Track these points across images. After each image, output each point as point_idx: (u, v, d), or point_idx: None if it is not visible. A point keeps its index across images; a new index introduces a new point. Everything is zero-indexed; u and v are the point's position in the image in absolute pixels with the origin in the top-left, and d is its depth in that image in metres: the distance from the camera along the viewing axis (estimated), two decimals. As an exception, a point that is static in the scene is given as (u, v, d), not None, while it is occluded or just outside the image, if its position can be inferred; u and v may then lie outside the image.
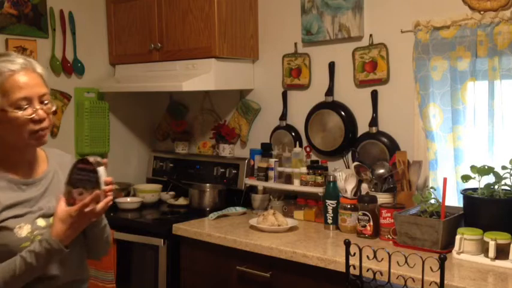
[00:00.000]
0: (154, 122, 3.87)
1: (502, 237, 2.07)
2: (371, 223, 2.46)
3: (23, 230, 1.58)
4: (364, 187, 2.64)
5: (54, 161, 1.77)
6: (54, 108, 1.66)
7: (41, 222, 1.63)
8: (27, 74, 1.59)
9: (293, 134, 3.12)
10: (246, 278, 2.50)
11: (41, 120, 1.60)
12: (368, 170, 2.65)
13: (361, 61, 2.82)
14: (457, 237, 2.16)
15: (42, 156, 1.76)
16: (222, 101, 3.48)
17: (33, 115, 1.58)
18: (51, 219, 1.63)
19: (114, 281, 2.92)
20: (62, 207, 1.58)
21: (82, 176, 1.58)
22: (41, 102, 1.61)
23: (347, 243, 1.43)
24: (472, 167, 2.27)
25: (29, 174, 1.68)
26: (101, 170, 1.58)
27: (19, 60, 1.61)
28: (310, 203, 2.86)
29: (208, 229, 2.70)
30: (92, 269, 2.70)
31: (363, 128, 2.86)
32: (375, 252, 1.44)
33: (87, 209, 1.56)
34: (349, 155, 2.84)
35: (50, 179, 1.72)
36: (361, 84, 2.84)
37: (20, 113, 1.57)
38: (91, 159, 1.58)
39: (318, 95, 3.00)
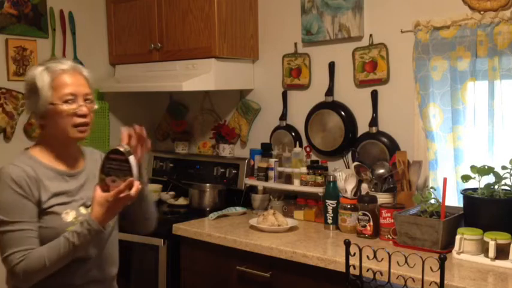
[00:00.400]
0: (154, 122, 3.87)
1: (502, 237, 2.07)
2: (371, 223, 2.46)
3: (69, 215, 1.77)
4: (364, 187, 2.64)
5: (89, 157, 1.95)
6: (96, 107, 1.84)
7: (83, 210, 1.81)
8: (74, 75, 1.81)
9: (293, 134, 3.12)
10: (246, 278, 2.50)
11: (83, 115, 1.79)
12: (368, 170, 2.65)
13: (361, 61, 2.81)
14: (457, 237, 2.16)
15: (80, 152, 1.94)
16: (222, 101, 3.48)
17: (77, 109, 1.77)
18: (90, 208, 1.77)
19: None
20: (99, 193, 1.73)
21: (114, 166, 1.73)
22: (85, 100, 1.80)
23: (347, 243, 1.43)
24: (472, 167, 2.27)
25: (71, 167, 1.87)
26: (132, 158, 1.71)
27: (69, 63, 1.83)
28: (310, 203, 2.86)
29: (208, 229, 2.70)
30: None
31: (363, 128, 2.86)
32: (375, 252, 1.44)
33: (122, 195, 1.70)
34: (349, 155, 2.84)
35: (88, 173, 1.89)
36: (361, 84, 2.84)
37: (65, 106, 1.76)
38: (121, 149, 1.72)
39: (318, 95, 3.00)
